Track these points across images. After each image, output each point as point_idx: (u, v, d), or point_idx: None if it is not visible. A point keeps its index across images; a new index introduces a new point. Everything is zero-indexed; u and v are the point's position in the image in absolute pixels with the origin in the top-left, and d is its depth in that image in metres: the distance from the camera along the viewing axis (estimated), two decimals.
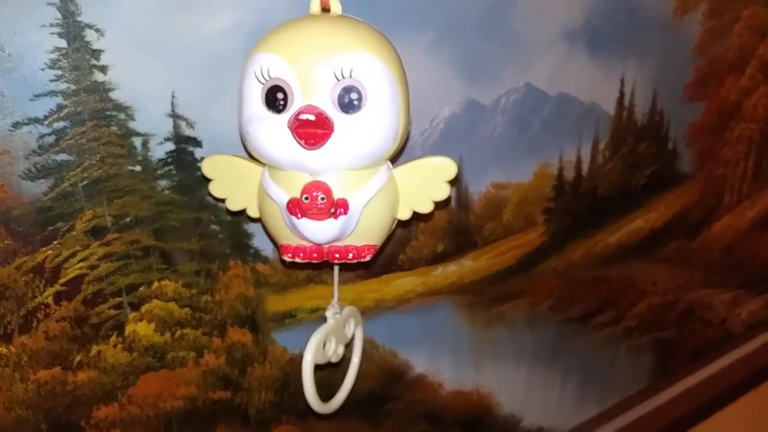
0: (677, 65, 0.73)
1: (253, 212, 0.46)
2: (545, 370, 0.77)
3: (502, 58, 0.59)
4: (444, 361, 0.68)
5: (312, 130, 0.38)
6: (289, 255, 0.44)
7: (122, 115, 0.44)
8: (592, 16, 0.63)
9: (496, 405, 0.74)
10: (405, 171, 0.44)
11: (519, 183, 0.65)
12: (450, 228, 0.63)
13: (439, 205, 0.45)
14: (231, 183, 0.45)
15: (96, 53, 0.42)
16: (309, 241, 0.43)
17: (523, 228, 0.68)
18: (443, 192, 0.44)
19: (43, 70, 0.41)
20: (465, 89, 0.58)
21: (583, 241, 0.74)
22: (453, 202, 0.62)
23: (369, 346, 0.61)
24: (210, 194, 0.46)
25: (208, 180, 0.45)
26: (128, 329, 0.49)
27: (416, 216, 0.45)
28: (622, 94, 0.69)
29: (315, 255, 0.44)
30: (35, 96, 0.41)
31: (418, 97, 0.55)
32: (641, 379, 0.89)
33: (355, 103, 0.38)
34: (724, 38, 0.76)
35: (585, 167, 0.70)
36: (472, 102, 0.59)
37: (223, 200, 0.46)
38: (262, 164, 0.43)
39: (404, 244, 0.61)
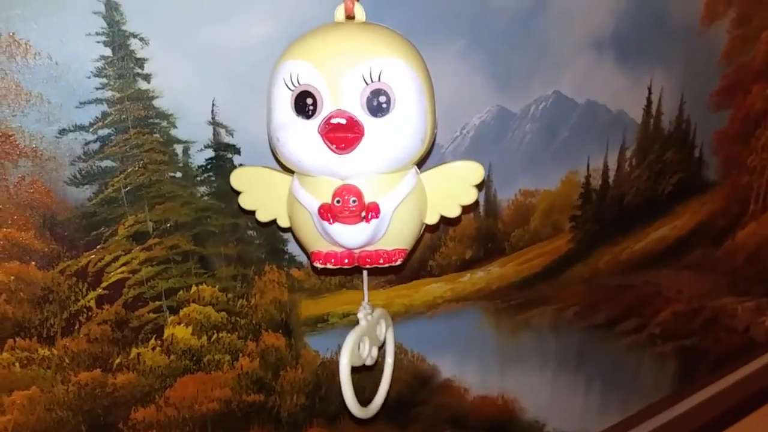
0: (704, 73, 0.73)
1: (283, 222, 0.46)
2: (569, 376, 0.78)
3: (532, 66, 0.60)
4: (470, 366, 0.68)
5: (342, 135, 0.38)
6: (321, 261, 0.43)
7: (164, 123, 0.45)
8: (620, 25, 0.64)
9: (521, 410, 0.74)
10: (433, 176, 0.44)
11: (546, 190, 0.66)
12: (478, 235, 0.63)
13: (467, 209, 0.45)
14: (260, 194, 0.45)
15: (140, 62, 0.43)
16: (341, 246, 0.43)
17: (550, 235, 0.68)
18: (471, 196, 0.44)
19: (88, 78, 0.42)
20: (495, 97, 0.59)
21: (609, 249, 0.74)
22: (481, 210, 0.62)
23: (398, 351, 0.61)
24: (240, 207, 0.46)
25: (238, 193, 0.45)
26: (167, 332, 0.50)
27: (444, 220, 0.45)
28: (649, 102, 0.70)
29: (346, 261, 0.43)
30: (81, 103, 0.42)
31: (449, 104, 0.56)
32: (664, 386, 0.89)
33: (384, 106, 0.39)
34: (751, 46, 0.76)
35: (612, 175, 0.70)
36: (502, 110, 0.60)
37: (253, 212, 0.46)
38: (290, 173, 0.43)
39: (433, 250, 0.61)
